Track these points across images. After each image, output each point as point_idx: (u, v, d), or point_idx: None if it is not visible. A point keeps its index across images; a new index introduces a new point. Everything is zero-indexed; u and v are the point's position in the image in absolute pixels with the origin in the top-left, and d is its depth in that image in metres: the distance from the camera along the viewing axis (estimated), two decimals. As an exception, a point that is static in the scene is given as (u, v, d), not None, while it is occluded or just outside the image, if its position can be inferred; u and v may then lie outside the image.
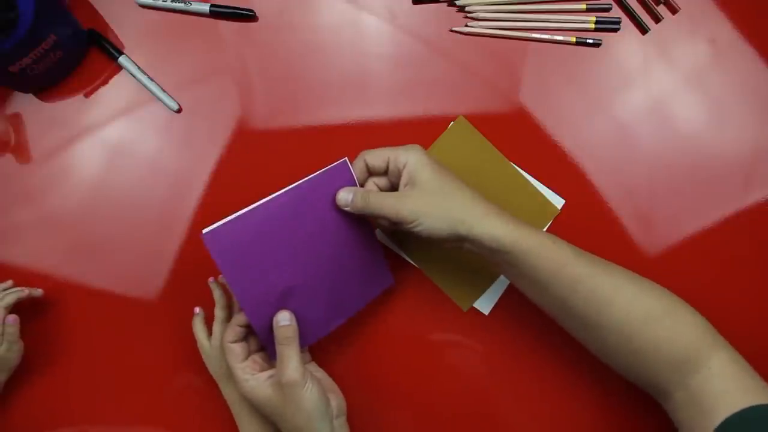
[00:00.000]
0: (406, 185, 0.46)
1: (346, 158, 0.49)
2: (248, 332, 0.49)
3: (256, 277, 0.47)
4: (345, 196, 0.47)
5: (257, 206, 0.45)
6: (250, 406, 0.52)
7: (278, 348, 0.46)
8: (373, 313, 0.57)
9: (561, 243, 0.45)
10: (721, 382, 0.41)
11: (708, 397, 0.41)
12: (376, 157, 0.48)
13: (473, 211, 0.45)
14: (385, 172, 0.49)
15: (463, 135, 0.57)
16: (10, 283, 0.58)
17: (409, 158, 0.46)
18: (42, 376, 0.58)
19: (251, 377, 0.47)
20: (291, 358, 0.45)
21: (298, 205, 0.47)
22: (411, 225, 0.45)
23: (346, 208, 0.47)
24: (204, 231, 0.44)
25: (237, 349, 0.48)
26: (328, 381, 0.51)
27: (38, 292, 0.58)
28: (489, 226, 0.44)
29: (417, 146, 0.47)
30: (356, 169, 0.49)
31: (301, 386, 0.45)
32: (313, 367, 0.52)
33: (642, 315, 0.44)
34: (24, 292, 0.56)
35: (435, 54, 0.59)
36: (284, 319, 0.47)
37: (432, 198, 0.45)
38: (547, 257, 0.44)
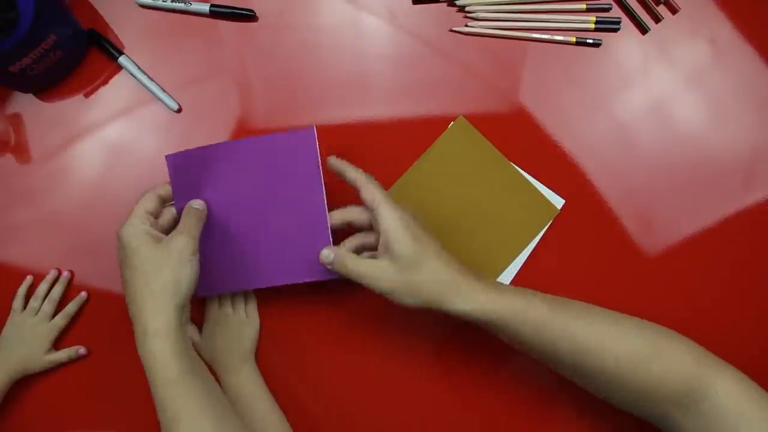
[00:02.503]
0: (383, 249, 0.47)
1: (313, 126, 0.50)
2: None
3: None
4: (327, 255, 0.49)
5: (219, 144, 0.51)
6: (251, 394, 0.54)
7: (181, 223, 0.48)
8: (372, 313, 0.57)
9: (534, 300, 0.45)
10: (734, 403, 0.41)
11: (724, 421, 0.40)
12: (355, 213, 0.50)
13: (446, 289, 0.45)
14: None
15: (463, 135, 0.57)
16: (53, 274, 0.59)
17: (386, 224, 0.46)
18: (42, 375, 0.58)
19: (140, 222, 0.47)
20: (192, 230, 0.47)
21: (256, 156, 0.51)
22: (386, 297, 0.46)
23: (329, 267, 0.49)
24: (167, 155, 0.51)
25: (150, 205, 0.48)
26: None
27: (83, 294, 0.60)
28: (461, 303, 0.45)
29: (392, 205, 0.47)
30: (333, 219, 0.51)
31: (187, 258, 0.45)
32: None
33: (631, 358, 0.43)
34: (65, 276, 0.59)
35: (435, 54, 0.59)
36: (198, 203, 0.50)
37: (407, 276, 0.45)
38: (523, 321, 0.44)
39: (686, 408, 0.42)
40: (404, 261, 0.45)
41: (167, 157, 0.51)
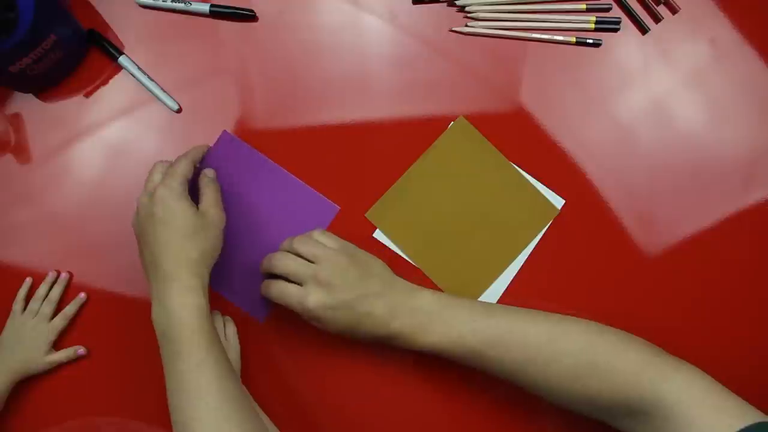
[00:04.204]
0: None
1: (338, 208, 0.57)
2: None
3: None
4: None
5: (265, 158, 0.58)
6: None
7: (204, 195, 0.50)
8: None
9: (465, 332, 0.46)
10: (684, 407, 0.39)
11: (674, 427, 0.39)
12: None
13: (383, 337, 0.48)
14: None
15: (463, 135, 0.57)
16: (51, 276, 0.59)
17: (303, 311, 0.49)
18: (42, 375, 0.58)
19: (181, 186, 0.48)
20: (217, 199, 0.50)
21: (281, 190, 0.58)
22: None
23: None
24: (225, 130, 0.58)
25: (188, 171, 0.50)
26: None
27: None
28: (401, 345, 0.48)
29: (308, 299, 0.48)
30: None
31: (220, 227, 0.49)
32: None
33: (572, 376, 0.43)
34: (64, 277, 0.59)
35: (435, 54, 0.59)
36: (210, 172, 0.53)
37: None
38: (461, 355, 0.46)
39: (640, 415, 0.41)
40: (340, 332, 0.50)
41: (225, 132, 0.58)
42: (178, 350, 0.43)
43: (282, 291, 0.49)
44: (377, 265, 0.51)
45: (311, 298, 0.47)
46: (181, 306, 0.44)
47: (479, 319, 0.46)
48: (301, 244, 0.50)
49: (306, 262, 0.49)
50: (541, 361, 0.44)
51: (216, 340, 0.45)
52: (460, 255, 0.56)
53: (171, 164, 0.51)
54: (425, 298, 0.48)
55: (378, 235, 0.57)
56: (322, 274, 0.48)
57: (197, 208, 0.49)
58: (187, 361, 0.43)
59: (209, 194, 0.50)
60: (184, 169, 0.49)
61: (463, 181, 0.57)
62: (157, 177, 0.50)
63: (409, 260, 0.57)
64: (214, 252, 0.48)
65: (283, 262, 0.49)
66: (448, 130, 0.58)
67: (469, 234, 0.57)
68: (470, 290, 0.56)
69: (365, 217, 0.58)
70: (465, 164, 0.57)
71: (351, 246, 0.51)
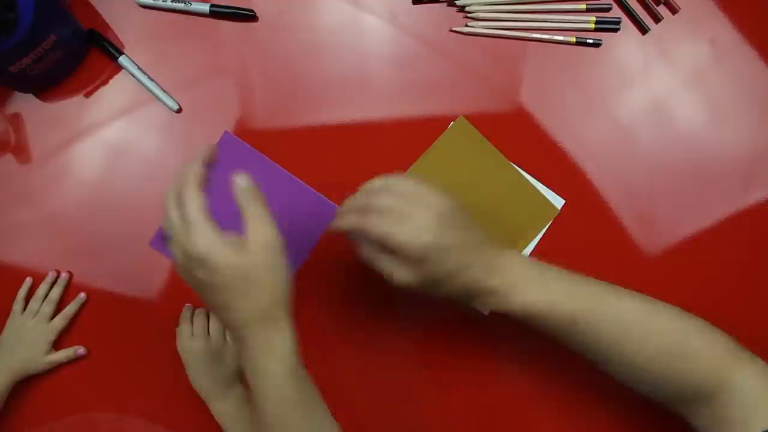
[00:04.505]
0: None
1: (336, 206, 0.55)
2: None
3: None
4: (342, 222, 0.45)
5: (265, 158, 0.57)
6: (244, 421, 0.52)
7: (246, 212, 0.40)
8: (372, 317, 0.57)
9: (560, 299, 0.44)
10: (749, 397, 0.41)
11: (736, 414, 0.40)
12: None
13: (477, 293, 0.44)
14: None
15: (464, 135, 0.57)
16: (51, 276, 0.59)
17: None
18: (42, 375, 0.58)
19: (212, 230, 0.38)
20: (264, 215, 0.40)
21: (281, 190, 0.57)
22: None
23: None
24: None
25: (202, 202, 0.40)
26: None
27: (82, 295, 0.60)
28: (493, 305, 0.44)
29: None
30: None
31: (279, 248, 0.39)
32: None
33: (661, 355, 0.43)
34: (64, 277, 0.59)
35: (435, 54, 0.59)
36: (243, 180, 0.41)
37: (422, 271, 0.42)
38: (552, 323, 0.44)
39: (704, 400, 0.42)
40: (427, 282, 0.43)
41: (226, 132, 0.56)
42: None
43: (380, 223, 0.42)
44: (472, 221, 0.46)
45: (424, 236, 0.41)
46: (265, 366, 0.40)
47: (574, 288, 0.45)
48: (393, 191, 0.44)
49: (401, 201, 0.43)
50: (636, 337, 0.43)
51: (307, 381, 0.43)
52: None
53: (182, 190, 0.40)
54: (522, 259, 0.46)
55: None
56: (424, 214, 0.42)
57: (239, 236, 0.39)
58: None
59: (252, 211, 0.40)
60: (199, 203, 0.39)
61: (463, 180, 0.57)
62: (174, 216, 0.40)
63: None
64: (283, 284, 0.40)
65: (381, 197, 0.43)
66: (448, 130, 0.58)
67: None
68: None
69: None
70: (465, 164, 0.57)
71: (448, 196, 0.45)
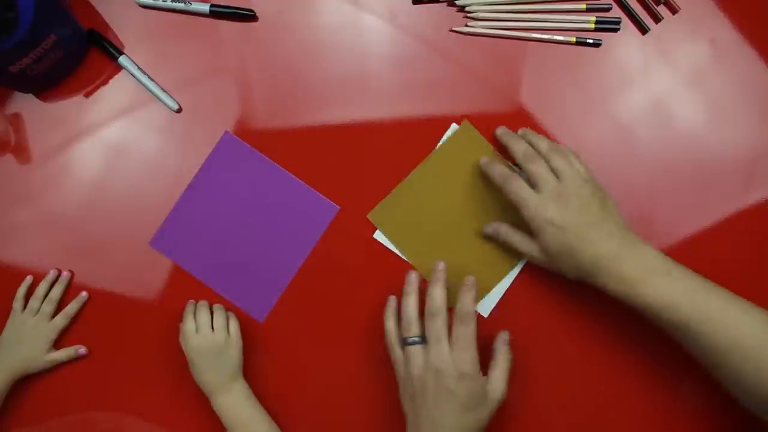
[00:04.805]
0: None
1: (338, 208, 0.57)
2: None
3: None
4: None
5: (265, 158, 0.58)
6: (247, 413, 0.54)
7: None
8: (371, 317, 0.57)
9: (682, 301, 0.45)
10: None
11: None
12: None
13: (599, 271, 0.47)
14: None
15: (467, 139, 0.57)
16: (52, 275, 0.59)
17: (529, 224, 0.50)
18: (42, 374, 0.58)
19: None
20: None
21: (280, 190, 0.58)
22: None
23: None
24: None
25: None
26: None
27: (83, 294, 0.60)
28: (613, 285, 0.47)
29: (532, 206, 0.49)
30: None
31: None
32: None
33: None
34: (65, 276, 0.60)
35: (435, 54, 0.59)
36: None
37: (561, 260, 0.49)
38: (671, 322, 0.45)
39: None
40: (553, 253, 0.49)
41: (226, 132, 0.58)
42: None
43: (520, 188, 0.49)
44: (614, 208, 0.50)
45: (550, 211, 0.48)
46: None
47: (698, 292, 0.45)
48: (556, 156, 0.50)
49: (555, 177, 0.49)
50: (752, 355, 0.43)
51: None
52: (462, 258, 0.56)
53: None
54: (651, 253, 0.47)
55: (378, 236, 0.57)
56: (566, 193, 0.48)
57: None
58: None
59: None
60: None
61: (466, 184, 0.57)
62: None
63: (410, 262, 0.57)
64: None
65: (537, 165, 0.49)
66: (452, 134, 0.58)
67: (471, 237, 0.57)
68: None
69: (366, 218, 0.58)
70: (468, 168, 0.57)
71: (596, 182, 0.51)
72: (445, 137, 0.58)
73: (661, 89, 0.57)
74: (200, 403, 0.56)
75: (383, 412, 0.56)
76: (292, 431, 0.56)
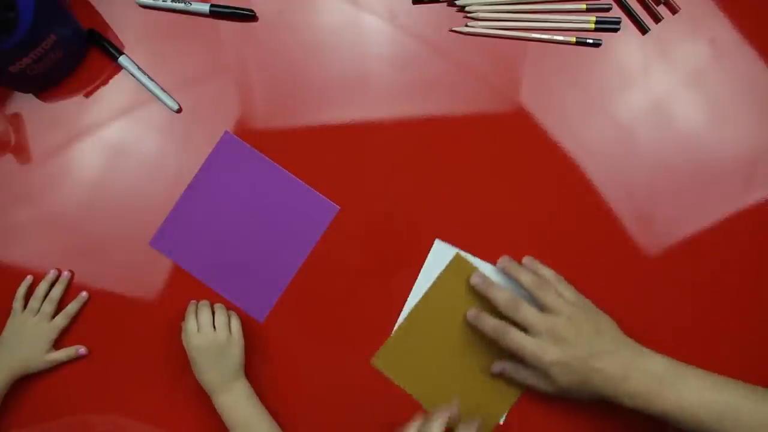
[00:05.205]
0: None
1: (338, 207, 0.57)
2: None
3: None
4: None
5: (265, 158, 0.58)
6: (249, 411, 0.54)
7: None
8: (371, 317, 0.57)
9: (695, 403, 0.45)
10: None
11: None
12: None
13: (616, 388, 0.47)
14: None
15: (461, 272, 0.56)
16: (52, 274, 0.59)
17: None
18: (42, 374, 0.58)
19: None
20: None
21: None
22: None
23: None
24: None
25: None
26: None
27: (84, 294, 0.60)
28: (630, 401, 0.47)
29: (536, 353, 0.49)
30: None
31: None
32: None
33: None
34: (65, 276, 0.59)
35: (435, 54, 0.59)
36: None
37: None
38: (691, 426, 0.45)
39: None
40: (564, 389, 0.50)
41: (226, 132, 0.58)
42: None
43: (521, 341, 0.50)
44: (607, 321, 0.51)
45: (549, 354, 0.48)
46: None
47: (709, 391, 0.46)
48: (540, 293, 0.51)
49: (543, 315, 0.50)
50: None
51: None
52: (467, 392, 0.55)
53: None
54: (656, 360, 0.48)
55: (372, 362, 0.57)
56: (558, 329, 0.49)
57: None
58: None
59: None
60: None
61: (464, 319, 0.55)
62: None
63: (419, 401, 0.56)
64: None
65: (523, 313, 0.50)
66: (446, 268, 0.56)
67: (475, 371, 0.55)
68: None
69: (366, 220, 0.58)
70: (463, 302, 0.56)
71: (583, 299, 0.52)
72: (430, 256, 0.57)
73: (661, 89, 0.57)
74: (200, 404, 0.56)
75: (383, 412, 0.56)
76: (292, 430, 0.56)
